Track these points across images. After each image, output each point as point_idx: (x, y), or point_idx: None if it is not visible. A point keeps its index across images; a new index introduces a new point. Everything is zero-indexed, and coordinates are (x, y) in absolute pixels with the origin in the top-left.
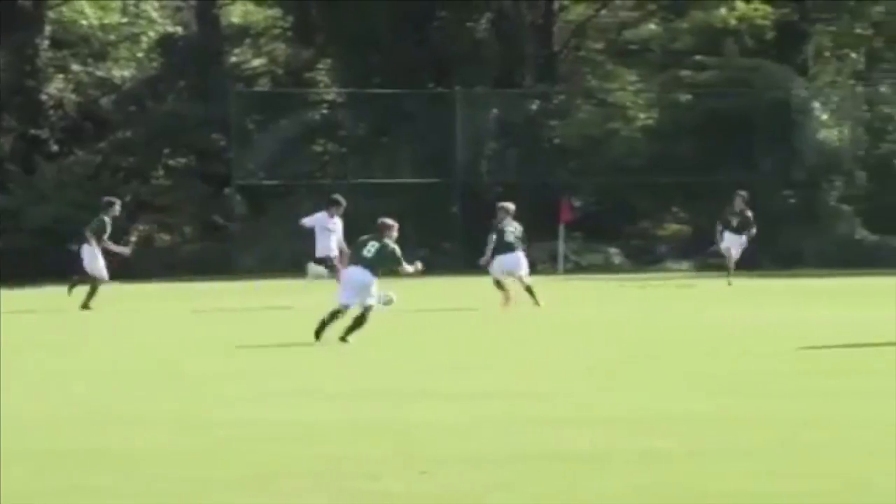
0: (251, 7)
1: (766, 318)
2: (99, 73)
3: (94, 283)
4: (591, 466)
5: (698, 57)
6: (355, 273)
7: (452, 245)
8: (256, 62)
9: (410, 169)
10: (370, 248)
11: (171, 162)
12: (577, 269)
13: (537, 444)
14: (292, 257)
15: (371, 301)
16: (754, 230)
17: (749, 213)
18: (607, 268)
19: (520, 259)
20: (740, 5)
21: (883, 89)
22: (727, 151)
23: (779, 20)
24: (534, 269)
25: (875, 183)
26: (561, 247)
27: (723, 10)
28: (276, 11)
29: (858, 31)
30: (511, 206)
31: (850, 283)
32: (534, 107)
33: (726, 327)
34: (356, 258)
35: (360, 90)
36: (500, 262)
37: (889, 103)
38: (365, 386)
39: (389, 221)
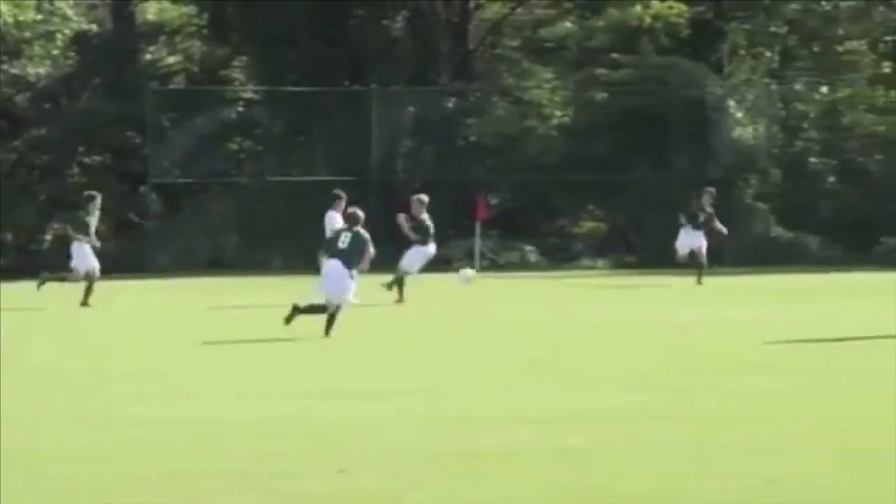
0: (166, 4)
1: (684, 317)
2: (13, 71)
3: (89, 279)
4: (508, 464)
5: (614, 55)
6: (334, 266)
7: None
8: (172, 59)
9: (326, 167)
10: (344, 240)
11: (86, 160)
12: (494, 266)
13: (455, 441)
14: (207, 255)
15: (348, 297)
16: (720, 228)
17: (711, 211)
18: (524, 266)
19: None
20: (656, 4)
21: (797, 87)
22: (643, 149)
23: (694, 18)
24: (450, 267)
25: (790, 180)
26: (477, 245)
27: (638, 9)
28: (191, 9)
29: (773, 29)
30: (426, 198)
31: (766, 281)
32: (450, 105)
33: (644, 325)
34: (333, 251)
35: (276, 88)
36: (424, 255)
37: (803, 101)
38: (285, 384)
39: (359, 212)
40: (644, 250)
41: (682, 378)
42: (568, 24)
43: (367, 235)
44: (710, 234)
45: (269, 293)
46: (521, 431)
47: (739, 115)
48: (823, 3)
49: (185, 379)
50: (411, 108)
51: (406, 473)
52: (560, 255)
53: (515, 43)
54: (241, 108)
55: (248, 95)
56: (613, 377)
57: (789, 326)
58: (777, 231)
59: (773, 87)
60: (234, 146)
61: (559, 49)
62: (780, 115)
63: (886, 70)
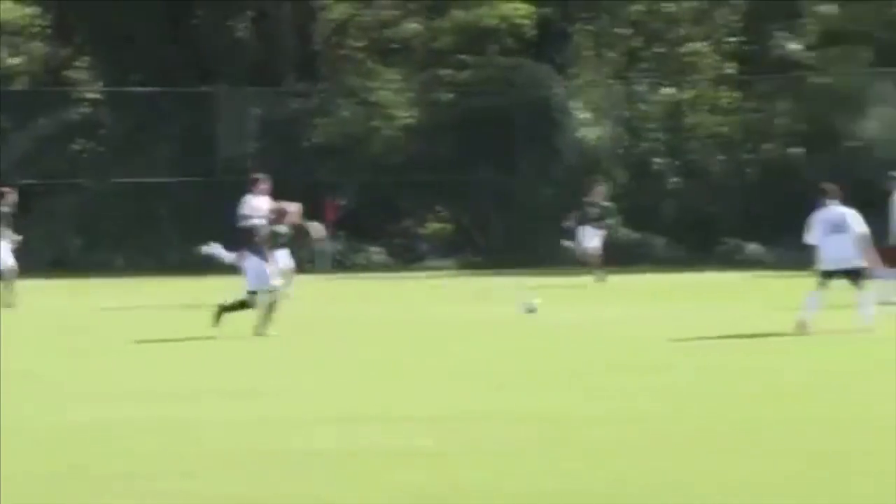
0: (8, 5)
1: (533, 317)
2: None
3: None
4: (354, 464)
5: (459, 56)
6: (256, 262)
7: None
8: (14, 61)
9: (171, 168)
10: (261, 232)
11: None
12: (341, 268)
13: (300, 441)
14: (50, 256)
15: (275, 284)
16: (612, 221)
17: (607, 204)
18: (370, 267)
19: None
20: (501, 5)
21: (641, 88)
22: (488, 150)
23: (539, 20)
24: (297, 269)
25: (634, 181)
26: (325, 246)
27: (484, 10)
28: (34, 10)
29: (617, 30)
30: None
31: (611, 281)
32: (295, 105)
33: (494, 325)
34: (253, 247)
35: (120, 89)
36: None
37: (647, 102)
38: (132, 386)
39: (290, 207)
40: (490, 251)
41: (533, 378)
42: (413, 25)
43: (286, 231)
44: (605, 228)
45: (120, 294)
46: (369, 431)
47: (584, 115)
48: (666, 4)
49: (59, 383)
50: (256, 109)
51: (250, 474)
52: (406, 256)
53: (361, 43)
54: (84, 109)
55: (92, 96)
56: (465, 377)
57: (638, 325)
58: (622, 231)
59: (618, 87)
60: (77, 147)
61: (404, 50)
62: (624, 116)
63: (729, 71)
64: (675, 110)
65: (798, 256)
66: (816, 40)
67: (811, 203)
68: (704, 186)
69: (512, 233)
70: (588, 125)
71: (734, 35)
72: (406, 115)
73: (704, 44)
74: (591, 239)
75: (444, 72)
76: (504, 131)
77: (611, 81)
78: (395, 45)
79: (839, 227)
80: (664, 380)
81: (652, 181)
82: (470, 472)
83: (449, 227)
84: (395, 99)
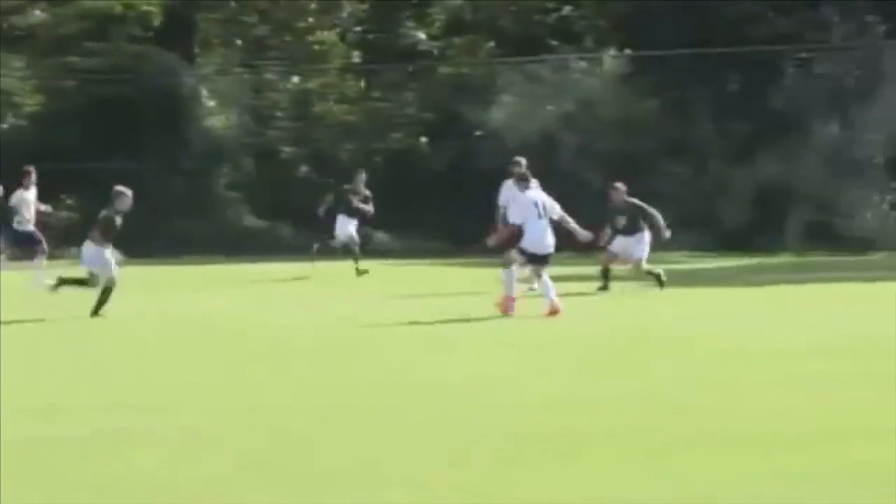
0: None
1: (157, 305)
2: None
3: None
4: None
5: (85, 43)
6: (88, 248)
7: None
8: None
9: None
10: (98, 219)
11: None
12: None
13: None
14: None
15: (111, 272)
16: (369, 208)
17: (368, 193)
18: None
19: None
20: None
21: (268, 76)
22: (116, 139)
23: (166, 8)
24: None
25: (261, 170)
26: None
27: None
28: None
29: (245, 18)
30: None
31: (240, 270)
32: None
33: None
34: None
35: None
36: None
37: (275, 90)
38: None
39: (121, 189)
40: (116, 240)
41: (157, 366)
42: (38, 12)
43: (109, 215)
44: (366, 217)
45: None
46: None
47: (211, 104)
48: None
49: None
50: None
51: None
52: (34, 247)
53: None
54: None
55: None
56: (98, 370)
57: (247, 315)
58: (250, 220)
59: (245, 76)
60: None
61: (29, 37)
62: (251, 105)
63: (356, 60)
64: (303, 98)
65: (423, 245)
66: (442, 30)
67: (437, 192)
68: (333, 175)
69: (140, 222)
70: (216, 114)
71: (362, 24)
72: (31, 103)
73: (331, 33)
74: (346, 229)
75: (70, 59)
76: (131, 120)
77: (238, 70)
78: (20, 33)
79: (538, 213)
80: (255, 370)
81: (279, 169)
82: (108, 461)
83: (75, 216)
84: (19, 86)
